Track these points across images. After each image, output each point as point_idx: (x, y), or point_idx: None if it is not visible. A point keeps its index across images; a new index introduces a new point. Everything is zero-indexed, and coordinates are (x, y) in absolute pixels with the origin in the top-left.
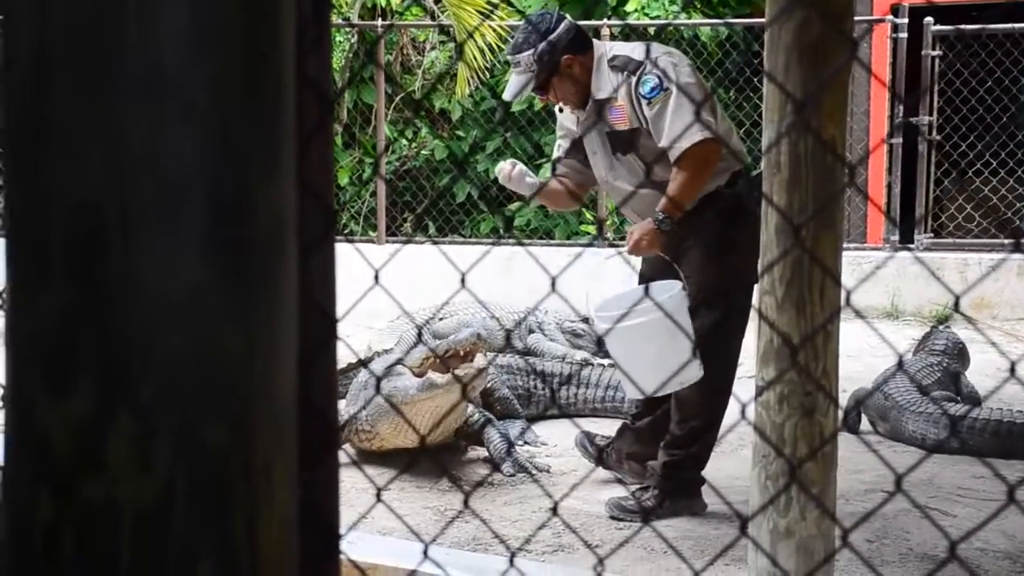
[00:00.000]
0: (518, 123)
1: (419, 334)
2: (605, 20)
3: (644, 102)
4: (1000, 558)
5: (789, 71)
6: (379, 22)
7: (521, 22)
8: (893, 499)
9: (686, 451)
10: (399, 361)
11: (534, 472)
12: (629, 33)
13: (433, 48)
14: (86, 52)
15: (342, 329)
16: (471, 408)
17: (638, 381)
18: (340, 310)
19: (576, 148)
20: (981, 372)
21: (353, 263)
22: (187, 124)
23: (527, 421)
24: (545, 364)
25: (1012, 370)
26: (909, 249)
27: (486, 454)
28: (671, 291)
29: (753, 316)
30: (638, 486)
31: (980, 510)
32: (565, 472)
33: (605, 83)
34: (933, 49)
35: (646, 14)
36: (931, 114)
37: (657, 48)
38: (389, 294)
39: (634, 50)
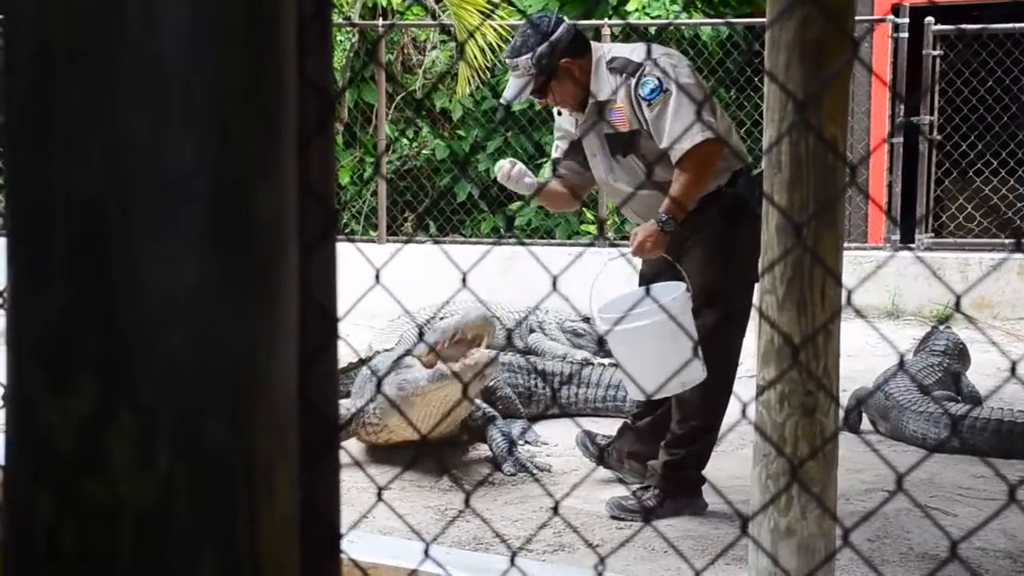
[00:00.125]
0: (519, 123)
1: (420, 333)
2: (606, 20)
3: (644, 104)
4: (1001, 557)
5: (790, 71)
6: (380, 21)
7: (522, 22)
8: (894, 498)
9: (687, 450)
10: (407, 352)
11: (535, 472)
12: (630, 33)
13: (434, 47)
14: (87, 51)
15: (343, 328)
16: (477, 402)
17: (640, 382)
18: (341, 309)
19: (575, 150)
20: (982, 372)
21: (354, 262)
22: (188, 123)
23: (528, 420)
24: (546, 363)
25: (1013, 370)
26: (910, 249)
27: (487, 453)
28: (674, 293)
29: (754, 315)
30: (639, 486)
31: (981, 510)
32: (566, 471)
33: (604, 85)
34: (934, 49)
35: (647, 14)
36: (932, 114)
37: (656, 49)
38: (390, 293)
39: (633, 51)
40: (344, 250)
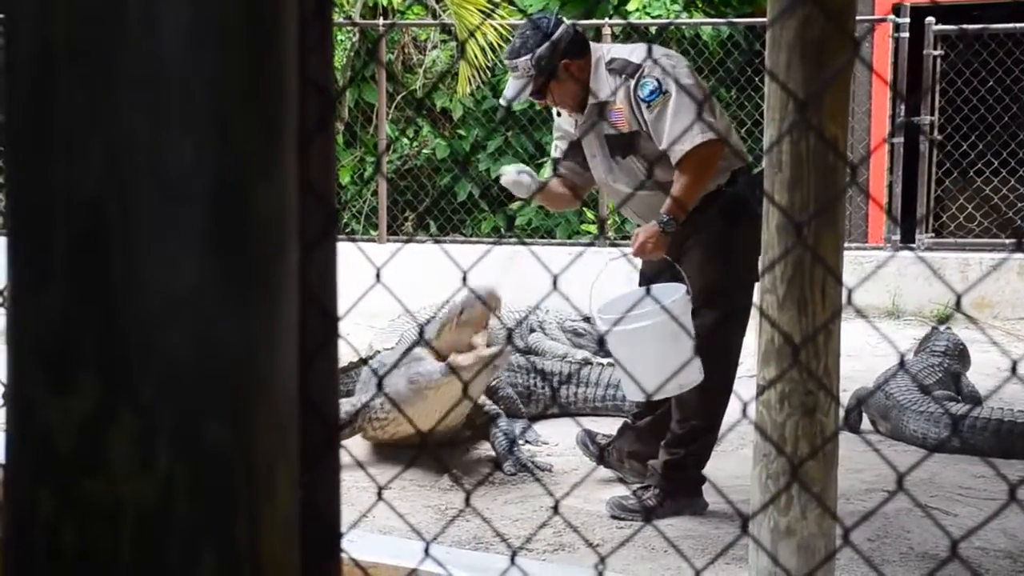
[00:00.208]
0: (519, 122)
1: (420, 333)
2: (607, 19)
3: (643, 105)
4: (1001, 557)
5: (791, 70)
6: (381, 21)
7: (522, 21)
8: (894, 498)
9: (687, 450)
10: (416, 343)
11: (535, 471)
12: (631, 33)
13: (435, 47)
14: (88, 50)
15: (343, 328)
16: (482, 398)
17: (639, 383)
18: (341, 309)
19: (575, 150)
20: (982, 371)
21: (354, 262)
22: (188, 123)
23: (528, 420)
24: (546, 363)
25: (1013, 369)
26: (910, 248)
27: (487, 452)
28: (675, 295)
29: (754, 315)
30: (639, 485)
31: (981, 509)
32: (566, 471)
33: (603, 86)
34: (935, 48)
35: (647, 13)
36: (932, 114)
37: (655, 50)
38: (390, 292)
39: (632, 52)
40: (344, 249)
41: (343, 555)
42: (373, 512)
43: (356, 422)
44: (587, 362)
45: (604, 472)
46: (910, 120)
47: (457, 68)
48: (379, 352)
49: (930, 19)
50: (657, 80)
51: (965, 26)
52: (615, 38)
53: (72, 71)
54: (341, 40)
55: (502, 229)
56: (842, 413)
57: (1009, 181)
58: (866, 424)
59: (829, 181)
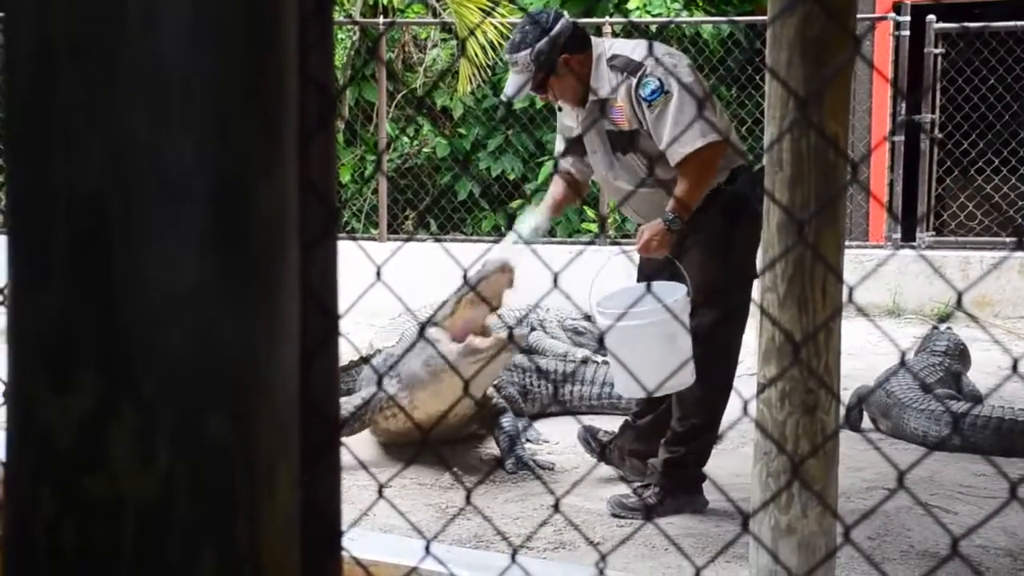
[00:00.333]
0: (520, 120)
1: (421, 331)
2: (607, 18)
3: (645, 105)
4: (1001, 555)
5: (791, 68)
6: (381, 19)
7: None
8: (894, 496)
9: (687, 448)
10: (427, 322)
11: (536, 469)
12: (631, 31)
13: (435, 45)
14: (88, 48)
15: (343, 326)
16: (490, 391)
17: (633, 380)
18: (342, 307)
19: (576, 145)
20: (983, 370)
21: (355, 260)
22: (188, 121)
23: (528, 419)
24: (546, 362)
25: (1014, 368)
26: (911, 247)
27: (487, 450)
28: (675, 294)
29: (754, 313)
30: (640, 483)
31: (981, 507)
32: (567, 469)
33: (604, 82)
34: (935, 47)
35: (648, 11)
36: (933, 112)
37: (657, 48)
38: (391, 291)
39: (634, 50)
40: (345, 248)
41: (344, 553)
42: (374, 510)
43: (367, 415)
44: (587, 361)
45: (605, 470)
46: (911, 118)
47: (457, 66)
48: (380, 351)
49: (931, 17)
50: (659, 80)
51: (966, 24)
52: (615, 36)
53: (72, 69)
54: (341, 38)
55: (502, 228)
56: (843, 411)
57: (1010, 179)
58: (867, 422)
59: (830, 179)
